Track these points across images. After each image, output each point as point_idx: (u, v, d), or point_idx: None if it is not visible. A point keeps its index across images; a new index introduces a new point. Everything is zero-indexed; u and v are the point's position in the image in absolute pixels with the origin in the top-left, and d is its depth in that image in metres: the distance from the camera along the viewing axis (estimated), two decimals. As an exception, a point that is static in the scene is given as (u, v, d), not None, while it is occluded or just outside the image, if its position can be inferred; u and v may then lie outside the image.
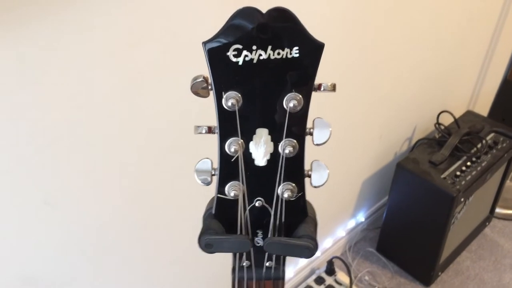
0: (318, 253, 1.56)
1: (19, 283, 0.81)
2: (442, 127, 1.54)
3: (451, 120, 1.57)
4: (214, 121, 0.42)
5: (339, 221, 1.61)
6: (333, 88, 0.41)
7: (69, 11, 0.65)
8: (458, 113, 1.63)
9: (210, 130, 0.43)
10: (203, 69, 0.40)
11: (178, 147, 0.89)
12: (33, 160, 0.72)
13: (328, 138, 0.42)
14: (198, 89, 0.41)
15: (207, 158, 0.44)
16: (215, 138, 0.43)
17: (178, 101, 0.83)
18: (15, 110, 0.67)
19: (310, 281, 1.51)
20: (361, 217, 1.69)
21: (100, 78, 0.73)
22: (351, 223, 1.67)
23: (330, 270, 1.51)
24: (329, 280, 1.50)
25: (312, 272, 1.55)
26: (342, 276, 1.51)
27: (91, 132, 0.77)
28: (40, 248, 0.81)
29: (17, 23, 0.61)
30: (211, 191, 0.45)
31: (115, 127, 0.79)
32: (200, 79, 0.40)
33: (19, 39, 0.62)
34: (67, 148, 0.75)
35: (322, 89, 0.41)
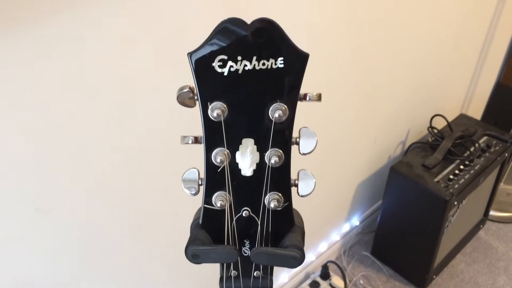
0: (312, 257, 1.56)
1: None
2: (435, 131, 1.55)
3: (444, 123, 1.58)
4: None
5: (333, 225, 1.61)
6: (319, 98, 0.41)
7: (66, 18, 0.65)
8: (451, 117, 1.63)
9: (196, 140, 0.43)
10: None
11: (175, 150, 0.89)
12: (26, 167, 0.72)
13: (314, 148, 0.42)
14: (185, 99, 0.41)
15: (194, 168, 0.44)
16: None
17: (174, 107, 0.83)
18: (7, 115, 0.67)
19: (305, 285, 1.51)
20: (355, 221, 1.69)
21: (95, 84, 0.73)
22: (346, 227, 1.67)
23: (325, 274, 1.52)
24: (324, 285, 1.50)
25: (307, 276, 1.55)
26: (337, 280, 1.51)
27: (85, 138, 0.77)
28: (34, 254, 0.81)
29: (15, 28, 0.61)
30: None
31: (110, 132, 0.79)
32: (186, 90, 0.40)
33: (17, 44, 0.62)
34: (60, 154, 0.75)
35: (307, 99, 0.41)
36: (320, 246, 1.58)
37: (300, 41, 0.39)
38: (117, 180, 0.86)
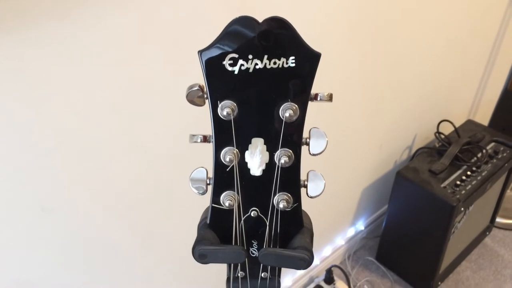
0: (317, 262, 1.55)
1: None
2: (442, 136, 1.54)
3: (452, 129, 1.57)
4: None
5: (338, 229, 1.60)
6: (330, 98, 0.40)
7: (71, 19, 0.65)
8: (458, 122, 1.62)
9: (205, 139, 0.42)
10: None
11: (179, 153, 0.88)
12: (32, 167, 0.72)
13: (325, 148, 0.42)
14: (194, 97, 0.40)
15: (202, 167, 0.44)
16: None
17: (181, 107, 0.83)
18: (14, 118, 0.67)
19: (309, 289, 1.50)
20: (360, 226, 1.69)
21: (100, 85, 0.73)
22: (351, 232, 1.66)
23: (329, 279, 1.50)
24: (328, 289, 1.49)
25: (310, 280, 1.54)
26: (341, 285, 1.50)
27: (90, 139, 0.76)
28: (38, 254, 0.81)
29: (19, 29, 0.61)
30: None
31: (115, 134, 0.79)
32: (195, 88, 0.40)
33: (21, 46, 0.62)
34: (66, 155, 0.75)
35: (318, 99, 0.40)
36: (324, 250, 1.57)
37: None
38: (124, 180, 0.86)
